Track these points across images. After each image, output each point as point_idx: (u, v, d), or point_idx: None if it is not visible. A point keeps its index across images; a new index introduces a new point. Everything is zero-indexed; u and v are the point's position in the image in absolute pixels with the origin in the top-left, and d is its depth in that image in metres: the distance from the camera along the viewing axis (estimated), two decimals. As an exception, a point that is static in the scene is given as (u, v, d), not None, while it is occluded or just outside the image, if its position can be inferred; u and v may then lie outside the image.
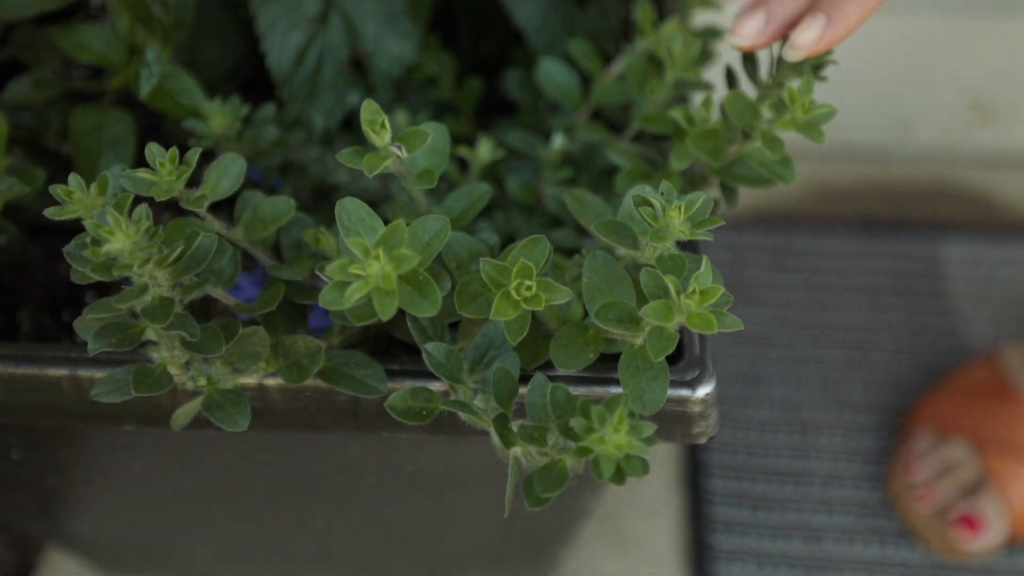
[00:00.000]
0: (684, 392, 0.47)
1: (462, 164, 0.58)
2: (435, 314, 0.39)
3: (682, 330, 0.49)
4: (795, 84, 0.47)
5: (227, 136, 0.54)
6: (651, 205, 0.41)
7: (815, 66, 0.47)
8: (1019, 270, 1.14)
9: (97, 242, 0.38)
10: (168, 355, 0.44)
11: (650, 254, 0.42)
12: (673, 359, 0.49)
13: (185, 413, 0.46)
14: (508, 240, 0.55)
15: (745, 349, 1.05)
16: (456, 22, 0.71)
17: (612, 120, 0.61)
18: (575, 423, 0.37)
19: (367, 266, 0.38)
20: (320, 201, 0.61)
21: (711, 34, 0.62)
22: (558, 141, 0.56)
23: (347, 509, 0.64)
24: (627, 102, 0.58)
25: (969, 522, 0.87)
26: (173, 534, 0.75)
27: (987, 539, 0.87)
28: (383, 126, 0.44)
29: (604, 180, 0.56)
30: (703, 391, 0.47)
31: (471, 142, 0.67)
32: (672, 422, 0.48)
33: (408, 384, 0.47)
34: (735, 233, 1.16)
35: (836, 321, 1.08)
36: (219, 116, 0.53)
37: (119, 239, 0.38)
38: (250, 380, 0.47)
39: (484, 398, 0.44)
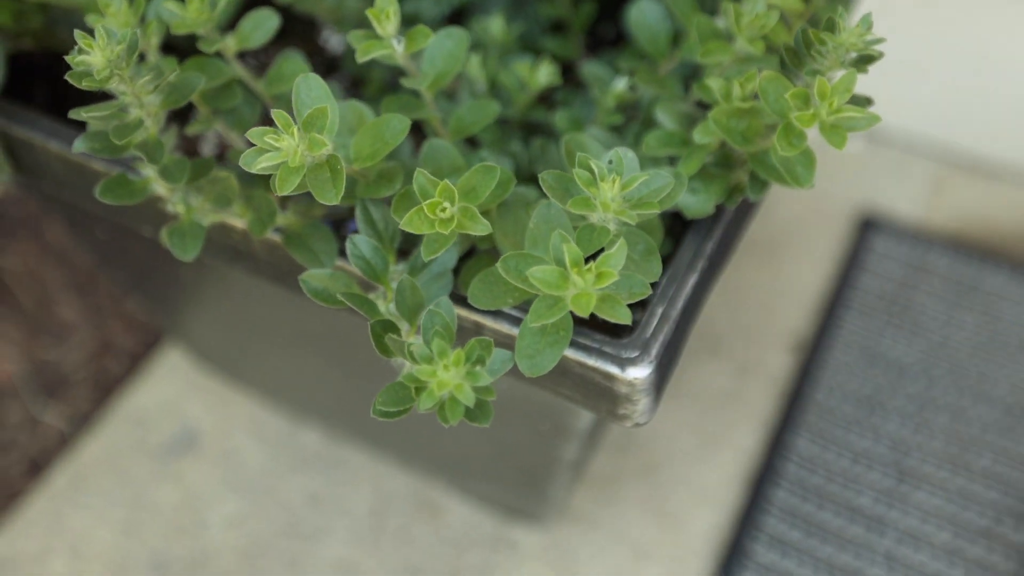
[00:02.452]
0: (612, 368, 0.45)
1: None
2: (335, 203, 0.39)
3: (645, 307, 0.47)
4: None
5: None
6: (591, 170, 0.39)
7: (861, 57, 0.42)
8: None
9: (81, 50, 0.41)
10: (152, 175, 0.48)
11: (578, 204, 0.40)
12: (621, 330, 0.47)
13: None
14: (527, 166, 0.54)
15: (878, 372, 0.97)
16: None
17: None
18: (415, 348, 0.37)
19: (281, 139, 0.39)
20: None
21: (834, 7, 0.55)
22: (619, 85, 0.54)
23: (349, 375, 0.67)
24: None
25: None
26: (235, 345, 0.82)
27: None
28: (388, 16, 0.44)
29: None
30: (634, 374, 0.45)
31: (573, 65, 0.65)
32: (597, 394, 0.46)
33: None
34: (920, 249, 1.05)
35: (998, 376, 0.96)
36: (304, -25, 0.55)
37: (96, 54, 0.41)
38: (237, 223, 0.50)
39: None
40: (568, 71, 0.65)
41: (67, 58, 0.41)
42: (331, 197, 0.39)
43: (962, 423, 0.93)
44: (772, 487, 0.89)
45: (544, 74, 0.55)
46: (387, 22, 0.44)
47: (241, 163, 0.40)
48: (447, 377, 0.36)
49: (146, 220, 0.54)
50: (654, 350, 0.45)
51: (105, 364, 1.02)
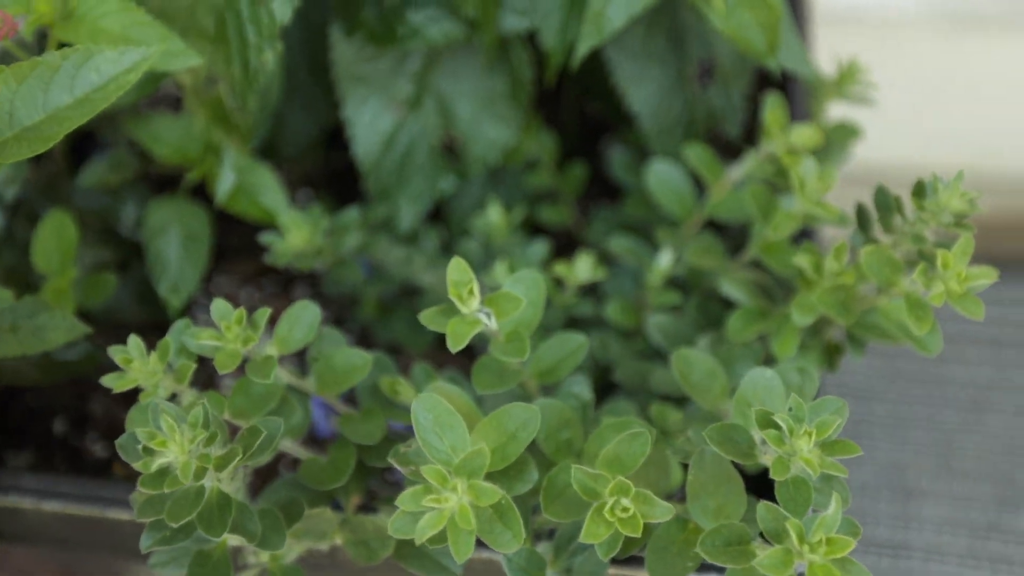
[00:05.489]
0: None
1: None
2: (518, 548, 0.34)
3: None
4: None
5: (305, 252, 0.49)
6: (777, 427, 0.36)
7: (958, 215, 0.40)
8: None
9: (149, 451, 0.34)
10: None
11: (778, 470, 0.37)
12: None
13: (245, 583, 0.43)
14: (603, 374, 0.50)
15: (851, 403, 0.98)
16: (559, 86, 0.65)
17: (724, 228, 0.55)
18: None
19: (443, 499, 0.33)
20: (408, 296, 0.57)
21: (846, 132, 0.55)
22: (664, 261, 0.51)
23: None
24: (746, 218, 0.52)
25: None
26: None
27: None
28: (471, 292, 0.39)
29: (713, 306, 0.51)
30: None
31: (569, 235, 0.61)
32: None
33: (484, 556, 0.43)
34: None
35: (951, 376, 0.99)
36: (297, 230, 0.49)
37: (173, 450, 0.34)
38: (323, 546, 0.44)
39: (566, 598, 0.40)
40: (566, 236, 0.61)
41: (136, 465, 0.34)
42: (511, 543, 0.34)
43: (937, 430, 0.96)
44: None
45: (584, 269, 0.51)
46: (471, 299, 0.39)
47: (392, 531, 0.34)
48: None
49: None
50: None
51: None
